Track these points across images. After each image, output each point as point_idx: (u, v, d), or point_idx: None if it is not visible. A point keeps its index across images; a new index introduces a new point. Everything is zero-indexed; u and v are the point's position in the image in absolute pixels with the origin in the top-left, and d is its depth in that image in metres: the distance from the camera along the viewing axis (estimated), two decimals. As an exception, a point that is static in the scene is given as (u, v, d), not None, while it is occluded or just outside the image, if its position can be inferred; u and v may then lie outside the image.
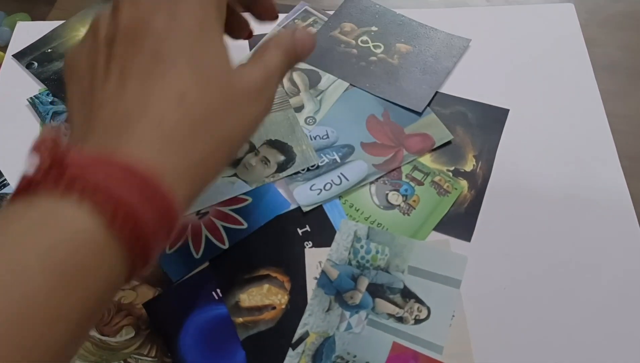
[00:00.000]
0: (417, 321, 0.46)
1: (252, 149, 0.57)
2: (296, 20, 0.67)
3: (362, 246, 0.50)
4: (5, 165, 0.58)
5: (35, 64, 0.65)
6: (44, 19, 0.71)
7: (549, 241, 0.51)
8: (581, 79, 0.60)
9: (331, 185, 0.54)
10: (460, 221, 0.52)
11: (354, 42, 0.64)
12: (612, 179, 0.54)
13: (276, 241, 0.52)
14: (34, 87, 0.63)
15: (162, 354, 0.47)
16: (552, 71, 0.61)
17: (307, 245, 0.51)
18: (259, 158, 0.56)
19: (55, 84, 0.63)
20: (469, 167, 0.55)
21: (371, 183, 0.54)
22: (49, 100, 0.62)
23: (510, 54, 0.63)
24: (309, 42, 0.40)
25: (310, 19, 0.67)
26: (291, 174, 0.55)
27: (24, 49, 0.67)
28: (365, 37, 0.65)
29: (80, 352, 0.47)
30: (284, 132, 0.58)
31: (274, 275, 0.50)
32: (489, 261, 0.49)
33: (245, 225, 0.53)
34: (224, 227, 0.53)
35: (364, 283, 0.48)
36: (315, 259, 0.50)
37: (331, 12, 0.67)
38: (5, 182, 0.57)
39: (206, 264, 0.51)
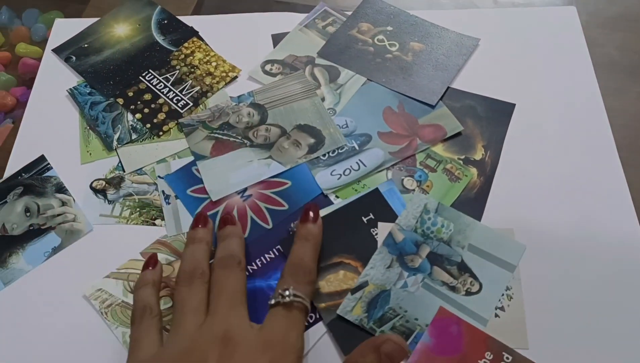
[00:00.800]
0: (468, 293, 0.52)
1: (284, 133, 0.62)
2: (316, 20, 0.72)
3: (429, 218, 0.55)
4: (47, 150, 0.64)
5: (74, 57, 0.71)
6: (76, 17, 0.76)
7: (551, 223, 0.56)
8: (582, 77, 0.66)
9: (350, 171, 0.60)
10: (471, 205, 0.58)
11: (370, 40, 0.70)
12: (610, 167, 0.59)
13: (345, 230, 0.56)
14: (73, 79, 0.70)
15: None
16: (555, 69, 0.66)
17: (373, 231, 0.56)
18: (291, 141, 0.62)
19: (92, 77, 0.69)
20: (478, 156, 0.60)
21: (387, 169, 0.60)
22: (87, 91, 0.68)
23: (517, 53, 0.68)
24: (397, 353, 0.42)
25: (330, 19, 0.72)
26: (316, 158, 0.61)
27: (62, 44, 0.73)
28: (381, 36, 0.70)
29: (122, 318, 0.53)
30: (312, 117, 0.63)
31: (347, 261, 0.55)
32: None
33: (287, 206, 0.58)
34: (267, 209, 0.58)
35: (425, 250, 0.54)
36: (387, 231, 0.55)
37: (349, 13, 0.73)
38: (48, 166, 0.62)
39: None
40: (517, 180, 0.58)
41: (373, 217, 0.56)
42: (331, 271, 0.53)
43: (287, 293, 0.46)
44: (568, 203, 0.57)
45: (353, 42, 0.70)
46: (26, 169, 0.62)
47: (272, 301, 0.46)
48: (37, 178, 0.61)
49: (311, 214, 0.52)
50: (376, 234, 0.55)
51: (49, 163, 0.62)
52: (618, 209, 0.56)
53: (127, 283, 0.55)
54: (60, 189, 0.61)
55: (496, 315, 0.50)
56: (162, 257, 0.55)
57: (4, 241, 0.58)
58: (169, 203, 0.59)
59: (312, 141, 0.62)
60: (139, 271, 0.54)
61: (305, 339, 0.49)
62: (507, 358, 0.48)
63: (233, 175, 0.60)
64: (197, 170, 0.60)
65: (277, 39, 0.71)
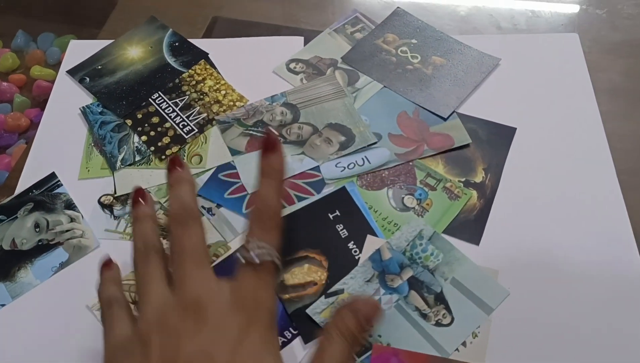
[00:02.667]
0: (438, 324, 0.51)
1: (316, 131, 0.64)
2: (346, 26, 0.74)
3: (421, 244, 0.55)
4: (57, 165, 0.65)
5: (87, 79, 0.72)
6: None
7: (551, 248, 0.56)
8: (583, 103, 0.66)
9: (354, 165, 0.61)
10: (470, 227, 0.57)
11: (394, 50, 0.71)
12: (610, 192, 0.59)
13: (311, 225, 0.58)
14: (86, 99, 0.70)
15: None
16: (556, 94, 0.67)
17: (338, 227, 0.57)
18: (323, 139, 0.63)
19: (105, 97, 0.69)
20: (478, 178, 0.61)
21: (388, 187, 0.60)
22: (99, 110, 0.68)
23: (519, 78, 0.68)
24: (373, 312, 0.40)
25: (359, 25, 0.74)
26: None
27: (76, 65, 0.73)
28: (404, 48, 0.71)
29: None
30: (342, 116, 0.65)
31: (312, 255, 0.56)
32: (496, 263, 0.54)
33: (316, 194, 0.60)
34: (297, 196, 0.60)
35: (408, 273, 0.54)
36: (373, 246, 0.56)
37: (378, 22, 0.74)
38: (58, 183, 0.63)
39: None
40: (517, 204, 0.58)
41: (339, 214, 0.58)
42: (296, 265, 0.55)
43: (251, 245, 0.41)
44: (568, 226, 0.57)
45: (377, 51, 0.71)
46: (37, 185, 0.62)
47: (241, 259, 0.41)
48: (47, 195, 0.62)
49: (269, 141, 0.45)
50: (341, 230, 0.57)
51: (59, 180, 0.63)
52: (617, 232, 0.56)
53: (129, 294, 0.54)
54: (70, 206, 0.61)
55: (456, 349, 0.50)
56: None
57: (14, 255, 0.58)
58: (213, 214, 0.59)
59: (342, 138, 0.63)
60: None
61: (290, 353, 0.51)
62: None
63: None
64: (226, 176, 0.62)
65: (308, 39, 0.74)
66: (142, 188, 0.47)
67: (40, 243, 0.59)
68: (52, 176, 0.63)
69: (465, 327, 0.51)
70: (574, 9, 0.76)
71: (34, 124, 0.78)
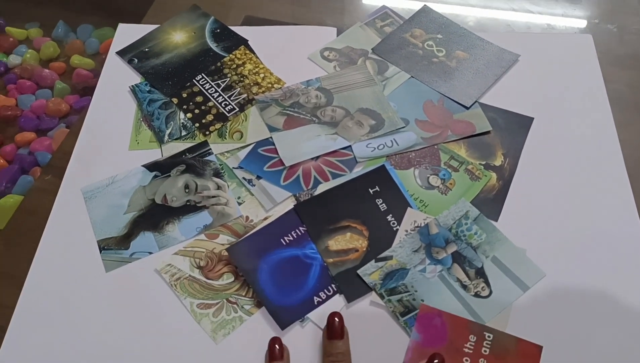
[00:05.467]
0: (477, 295, 0.56)
1: (348, 114, 0.69)
2: (376, 20, 0.80)
3: (466, 224, 0.61)
4: (109, 138, 0.70)
5: (136, 60, 0.77)
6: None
7: (562, 226, 0.61)
8: (595, 96, 0.72)
9: (384, 146, 0.67)
10: (490, 205, 0.63)
11: (420, 44, 0.77)
12: (618, 179, 0.64)
13: (353, 198, 0.63)
14: (135, 78, 0.75)
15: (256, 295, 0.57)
16: (571, 88, 0.72)
17: (378, 201, 0.62)
18: (355, 121, 0.69)
19: (152, 77, 0.75)
20: (498, 162, 0.66)
21: (415, 167, 0.65)
22: (147, 89, 0.74)
23: (537, 73, 0.74)
24: None
25: (388, 20, 0.80)
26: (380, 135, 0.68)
27: (125, 47, 0.78)
28: (430, 42, 0.77)
29: (190, 290, 0.58)
30: (372, 102, 0.71)
31: (354, 225, 0.61)
32: (512, 237, 0.60)
33: (348, 172, 0.65)
34: (330, 172, 0.65)
35: (452, 248, 0.59)
36: (411, 218, 0.61)
37: (406, 18, 0.80)
38: (209, 151, 0.67)
39: (280, 215, 0.62)
40: (533, 186, 0.64)
41: (378, 189, 0.64)
42: (339, 233, 0.61)
43: None
44: (578, 208, 0.62)
45: (405, 44, 0.76)
46: (190, 150, 0.67)
47: None
48: (198, 160, 0.66)
49: (336, 324, 0.53)
50: (380, 204, 0.62)
51: (210, 148, 0.67)
52: (623, 216, 0.62)
53: (193, 259, 0.59)
54: (217, 174, 0.65)
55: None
56: (223, 238, 0.61)
57: (164, 210, 0.63)
58: (253, 185, 0.64)
59: (373, 122, 0.69)
60: (203, 249, 0.59)
61: (325, 312, 0.55)
62: (489, 336, 0.53)
63: (303, 145, 0.66)
64: (265, 151, 0.67)
65: (340, 31, 0.79)
66: (279, 338, 0.54)
67: (188, 203, 0.64)
68: (204, 143, 0.68)
69: (502, 300, 0.56)
70: (585, 23, 0.82)
71: (73, 110, 0.82)
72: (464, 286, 0.57)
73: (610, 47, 0.78)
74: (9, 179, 0.71)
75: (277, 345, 0.52)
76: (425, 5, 0.81)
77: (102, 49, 0.86)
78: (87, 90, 0.81)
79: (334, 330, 0.53)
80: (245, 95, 0.72)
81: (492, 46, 0.76)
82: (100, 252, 0.61)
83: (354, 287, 0.57)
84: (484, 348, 0.53)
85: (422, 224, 0.61)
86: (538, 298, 0.56)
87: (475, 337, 0.53)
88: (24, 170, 0.74)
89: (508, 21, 0.82)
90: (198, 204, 0.64)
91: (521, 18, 0.83)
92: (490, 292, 0.56)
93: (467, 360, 0.52)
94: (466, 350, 0.53)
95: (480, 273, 0.57)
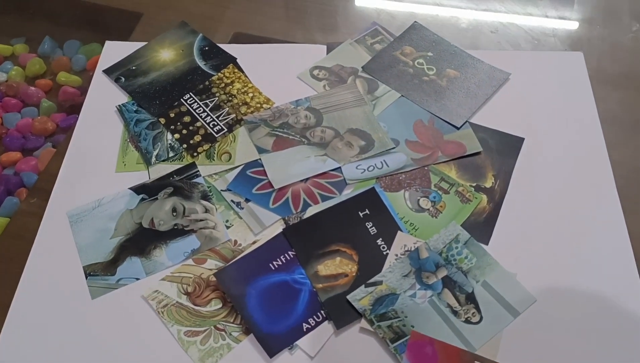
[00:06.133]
0: (467, 321, 0.56)
1: (338, 134, 0.69)
2: (366, 37, 0.80)
3: (457, 247, 0.60)
4: (96, 160, 0.69)
5: (123, 78, 0.76)
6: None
7: (553, 249, 0.61)
8: (586, 115, 0.72)
9: (373, 168, 0.67)
10: (481, 228, 0.62)
11: (411, 62, 0.76)
12: (608, 201, 0.64)
13: (342, 222, 0.62)
14: (122, 98, 0.75)
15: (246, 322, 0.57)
16: (562, 107, 0.72)
17: (367, 225, 0.62)
18: (344, 142, 0.68)
19: (139, 96, 0.74)
20: (488, 184, 0.66)
21: (405, 189, 0.65)
22: (134, 109, 0.73)
23: (527, 92, 0.74)
24: None
25: (378, 37, 0.80)
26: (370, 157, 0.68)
27: (112, 65, 0.78)
28: (421, 60, 0.77)
29: (177, 317, 0.57)
30: (362, 122, 0.70)
31: (343, 249, 0.61)
32: (502, 261, 0.59)
33: (338, 194, 0.65)
34: (320, 194, 0.65)
35: (442, 272, 0.59)
36: (402, 241, 0.61)
37: (396, 35, 0.79)
38: (197, 173, 0.67)
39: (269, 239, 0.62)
40: (524, 209, 0.64)
41: (368, 212, 0.63)
42: (329, 257, 0.60)
43: None
44: (569, 230, 0.62)
45: (395, 62, 0.76)
46: (178, 172, 0.67)
47: None
48: (186, 182, 0.66)
49: None
50: (370, 227, 0.62)
51: (198, 170, 0.67)
52: (613, 236, 0.62)
53: (181, 285, 0.58)
54: (205, 196, 0.65)
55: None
56: (211, 262, 0.60)
57: (151, 234, 0.62)
58: (242, 208, 0.64)
59: (363, 143, 0.68)
60: (191, 275, 0.59)
61: (314, 339, 0.55)
62: None
63: (293, 167, 0.66)
64: (254, 173, 0.66)
65: (330, 48, 0.78)
66: None
67: (175, 227, 0.63)
68: (192, 165, 0.68)
69: (492, 326, 0.56)
70: (577, 40, 0.82)
71: (60, 129, 0.81)
72: (455, 312, 0.56)
73: (601, 66, 0.78)
74: (-5, 201, 0.71)
75: None
76: (415, 22, 0.81)
77: (89, 65, 0.85)
78: (74, 108, 0.80)
79: None
80: (234, 115, 0.72)
81: (483, 64, 0.76)
82: (86, 278, 0.60)
83: (343, 313, 0.57)
84: (475, 378, 0.52)
85: (412, 248, 0.60)
86: (529, 324, 0.56)
87: (465, 366, 0.53)
88: (9, 191, 0.73)
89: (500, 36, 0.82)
90: (186, 228, 0.63)
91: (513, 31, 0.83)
92: (481, 318, 0.56)
93: (458, 391, 0.52)
94: (457, 379, 0.52)
95: (471, 299, 0.57)
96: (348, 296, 0.57)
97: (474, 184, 0.65)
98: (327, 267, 0.59)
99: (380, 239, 0.61)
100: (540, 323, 0.56)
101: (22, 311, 0.58)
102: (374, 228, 0.62)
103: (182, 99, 0.74)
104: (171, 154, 0.69)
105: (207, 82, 0.75)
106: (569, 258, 0.60)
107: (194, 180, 0.66)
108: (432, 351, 0.54)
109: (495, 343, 0.54)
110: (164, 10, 0.86)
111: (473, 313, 0.56)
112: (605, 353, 0.55)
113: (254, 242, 0.62)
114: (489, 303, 0.57)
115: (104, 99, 0.74)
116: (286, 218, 0.63)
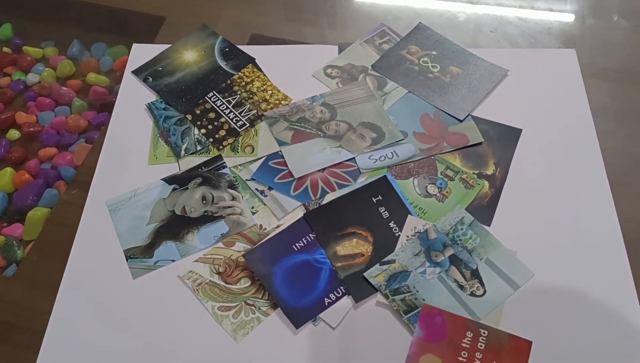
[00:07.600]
0: (472, 294, 0.62)
1: (351, 128, 0.75)
2: (375, 37, 0.85)
3: (462, 229, 0.66)
4: (127, 155, 0.75)
5: (150, 78, 0.82)
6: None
7: (549, 229, 0.67)
8: (578, 107, 0.77)
9: (385, 158, 0.72)
10: (483, 211, 0.68)
11: (416, 60, 0.82)
12: (599, 185, 0.70)
13: (358, 207, 0.68)
14: (151, 96, 0.80)
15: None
16: (556, 100, 0.78)
17: (381, 209, 0.68)
18: (357, 134, 0.74)
19: (167, 95, 0.80)
20: (490, 171, 0.72)
21: (414, 176, 0.71)
22: (162, 106, 0.79)
23: (524, 86, 0.80)
24: None
25: (386, 38, 0.86)
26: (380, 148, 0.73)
27: (139, 67, 0.83)
28: (426, 58, 0.82)
29: (211, 294, 0.63)
30: (373, 116, 0.76)
31: (359, 231, 0.67)
32: (503, 240, 0.65)
33: (353, 182, 0.70)
34: (336, 182, 0.70)
35: (449, 251, 0.65)
36: (412, 224, 0.67)
37: (403, 35, 0.85)
38: (223, 164, 0.72)
39: (291, 223, 0.68)
40: (523, 193, 0.69)
41: (381, 198, 0.69)
42: (346, 239, 0.66)
43: None
44: (563, 213, 0.68)
45: (402, 61, 0.82)
46: (206, 163, 0.72)
47: None
48: (214, 173, 0.71)
49: None
50: (383, 211, 0.68)
51: (224, 162, 0.72)
52: (604, 221, 0.67)
53: (212, 266, 0.64)
54: (232, 185, 0.70)
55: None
56: (240, 245, 0.66)
57: (184, 220, 0.68)
58: (265, 196, 0.69)
59: (374, 135, 0.74)
60: (221, 256, 0.65)
61: (335, 312, 0.61)
62: (484, 333, 0.59)
63: (311, 158, 0.72)
64: (275, 163, 0.72)
65: (341, 48, 0.84)
66: None
67: (206, 214, 0.69)
68: (219, 157, 0.73)
69: (495, 298, 0.61)
70: (570, 37, 0.87)
71: (91, 126, 0.86)
72: (461, 287, 0.62)
73: (592, 60, 0.84)
74: (35, 193, 0.76)
75: None
76: (420, 22, 0.87)
77: (116, 66, 0.90)
78: (103, 106, 0.85)
79: None
80: (255, 111, 0.78)
81: (483, 61, 0.82)
82: (127, 261, 0.66)
83: (361, 288, 0.62)
84: (479, 344, 0.58)
85: (422, 230, 0.66)
86: (528, 296, 0.62)
87: (471, 333, 0.59)
88: (48, 184, 0.79)
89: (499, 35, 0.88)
90: (215, 215, 0.69)
91: (512, 30, 0.88)
92: (485, 291, 0.62)
93: (465, 354, 0.58)
94: (464, 345, 0.58)
95: (475, 274, 0.63)
96: (365, 274, 0.63)
97: (477, 172, 0.71)
98: (345, 248, 0.65)
99: (393, 222, 0.67)
100: (538, 295, 0.62)
101: (71, 290, 0.64)
102: (386, 212, 0.68)
103: (206, 97, 0.79)
104: (199, 148, 0.74)
105: (228, 81, 0.81)
106: (563, 236, 0.66)
107: (221, 171, 0.72)
108: (441, 321, 0.60)
109: (498, 313, 0.60)
110: (185, 14, 0.91)
111: (477, 287, 0.62)
112: (596, 320, 0.61)
113: (278, 226, 0.68)
114: (492, 278, 0.63)
115: (134, 98, 0.80)
116: (306, 204, 0.69)
